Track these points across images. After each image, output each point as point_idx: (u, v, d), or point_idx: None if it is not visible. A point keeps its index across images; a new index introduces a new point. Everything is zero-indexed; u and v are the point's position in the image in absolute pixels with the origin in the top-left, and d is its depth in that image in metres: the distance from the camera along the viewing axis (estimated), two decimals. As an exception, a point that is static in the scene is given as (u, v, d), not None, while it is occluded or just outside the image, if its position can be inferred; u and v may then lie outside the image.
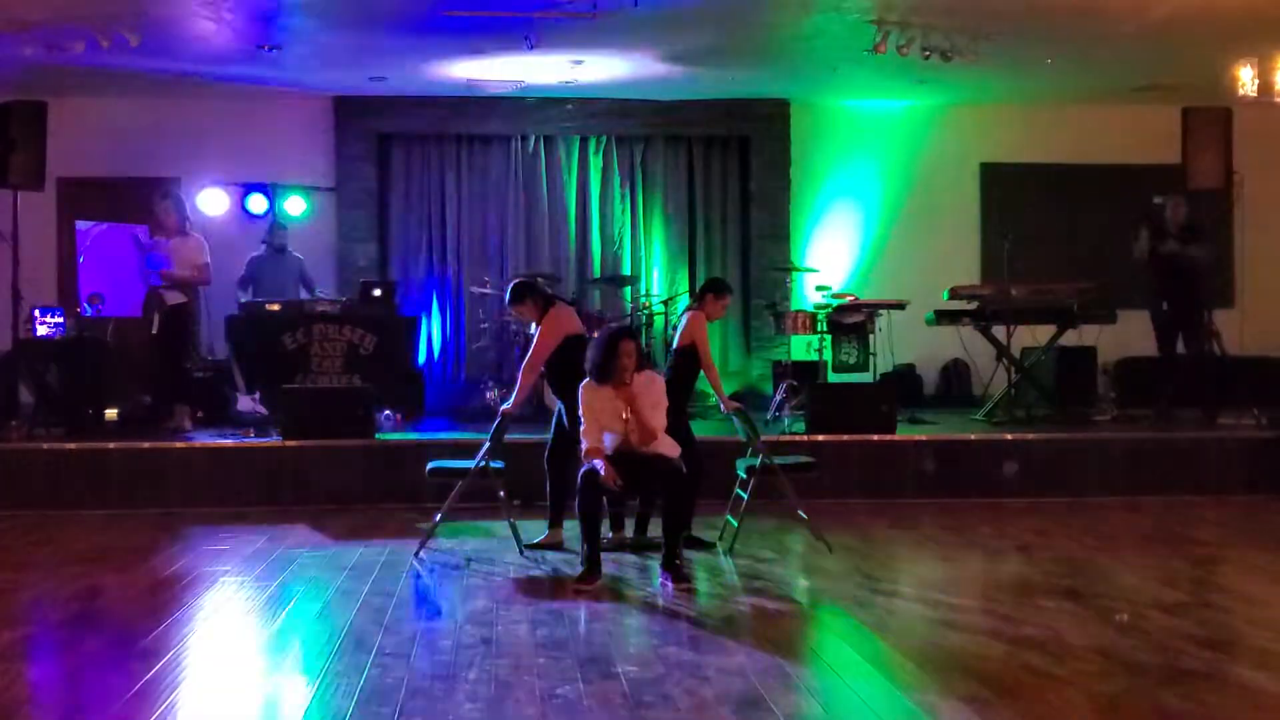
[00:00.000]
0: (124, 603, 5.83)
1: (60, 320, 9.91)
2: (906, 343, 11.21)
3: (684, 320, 7.43)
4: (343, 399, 9.23)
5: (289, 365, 10.00)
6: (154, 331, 9.56)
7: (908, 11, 9.03)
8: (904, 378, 11.64)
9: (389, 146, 12.40)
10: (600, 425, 6.25)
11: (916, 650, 4.93)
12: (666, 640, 5.13)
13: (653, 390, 6.32)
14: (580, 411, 6.31)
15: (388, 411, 9.97)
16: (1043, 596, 5.85)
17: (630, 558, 6.75)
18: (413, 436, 9.44)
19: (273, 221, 11.24)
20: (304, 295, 10.83)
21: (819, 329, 10.31)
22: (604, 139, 12.40)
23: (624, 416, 6.22)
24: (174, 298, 9.63)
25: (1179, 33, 9.53)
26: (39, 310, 9.87)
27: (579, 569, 6.19)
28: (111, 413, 9.69)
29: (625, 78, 11.20)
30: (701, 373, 7.33)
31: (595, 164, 12.42)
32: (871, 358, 10.36)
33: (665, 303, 11.56)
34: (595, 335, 6.76)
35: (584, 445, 6.25)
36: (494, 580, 6.29)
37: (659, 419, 6.28)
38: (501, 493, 6.96)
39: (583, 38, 9.63)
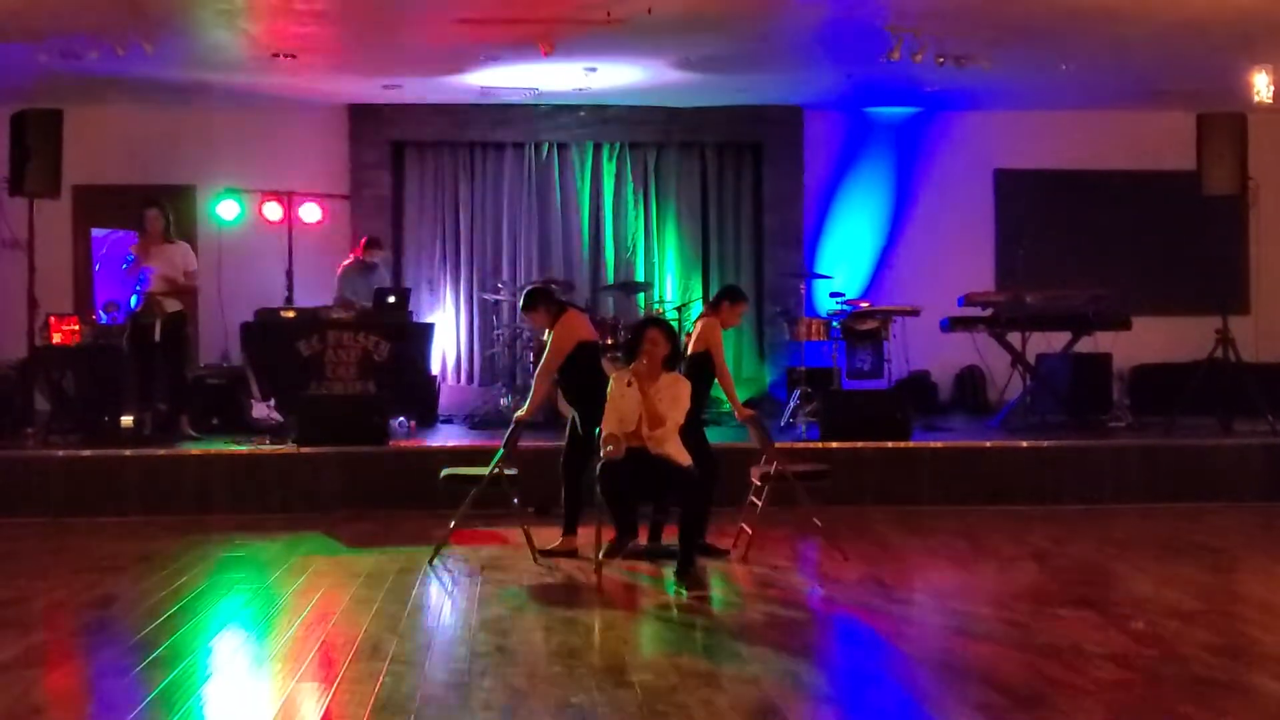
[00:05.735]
0: (139, 610, 5.83)
1: (76, 327, 9.94)
2: (921, 349, 11.18)
3: (698, 327, 7.42)
4: (357, 405, 9.26)
5: (303, 372, 10.00)
6: (157, 339, 9.54)
7: (922, 18, 9.01)
8: (918, 384, 11.61)
9: (403, 154, 12.43)
10: (619, 415, 6.32)
11: (932, 658, 4.91)
12: (681, 649, 5.12)
13: (675, 387, 6.43)
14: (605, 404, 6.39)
15: (401, 418, 9.98)
16: (1059, 604, 5.82)
17: (644, 565, 6.73)
18: (426, 443, 9.46)
19: (370, 237, 11.10)
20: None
21: (833, 335, 10.28)
22: (617, 145, 12.40)
23: (639, 407, 6.27)
24: (171, 305, 9.60)
25: (1194, 39, 9.49)
26: (54, 317, 9.91)
27: (592, 575, 6.19)
28: (127, 420, 9.71)
29: (639, 84, 11.20)
30: (715, 380, 7.33)
31: (608, 170, 12.42)
32: (886, 364, 10.33)
33: (679, 309, 11.55)
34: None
35: (604, 435, 6.32)
36: (508, 588, 6.28)
37: (673, 414, 6.33)
38: (515, 500, 6.97)
39: (597, 45, 9.64)
